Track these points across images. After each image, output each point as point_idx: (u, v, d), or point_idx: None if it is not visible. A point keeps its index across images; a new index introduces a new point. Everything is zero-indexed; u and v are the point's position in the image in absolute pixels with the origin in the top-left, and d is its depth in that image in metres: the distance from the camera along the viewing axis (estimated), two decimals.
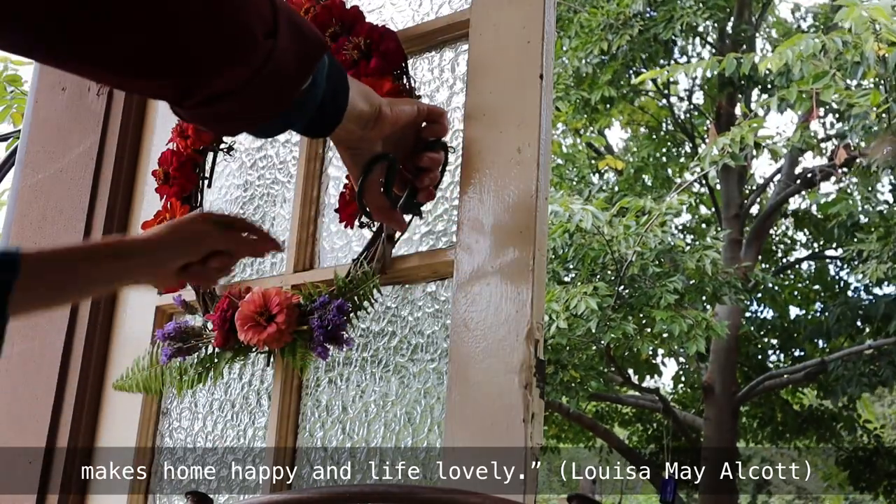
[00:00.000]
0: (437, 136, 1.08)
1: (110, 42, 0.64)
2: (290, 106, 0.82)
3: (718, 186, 9.92)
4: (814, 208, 10.51)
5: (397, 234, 1.42)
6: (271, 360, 1.48)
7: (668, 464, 10.15)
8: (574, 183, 9.77)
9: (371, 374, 1.45)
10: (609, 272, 6.82)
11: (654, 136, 10.76)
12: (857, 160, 8.04)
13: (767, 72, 6.87)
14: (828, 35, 6.61)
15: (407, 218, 1.17)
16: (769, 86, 8.65)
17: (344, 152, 1.03)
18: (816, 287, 10.90)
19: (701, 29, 9.27)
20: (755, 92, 10.14)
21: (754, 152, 7.82)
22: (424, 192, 1.09)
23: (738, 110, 9.80)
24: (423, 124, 1.07)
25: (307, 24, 0.80)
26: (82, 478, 1.63)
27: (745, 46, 8.32)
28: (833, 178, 9.44)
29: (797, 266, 11.34)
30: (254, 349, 1.45)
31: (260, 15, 0.71)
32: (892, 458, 10.54)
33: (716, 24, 9.20)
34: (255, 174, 1.71)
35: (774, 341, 10.75)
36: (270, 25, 0.72)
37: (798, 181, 9.93)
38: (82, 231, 1.72)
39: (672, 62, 8.98)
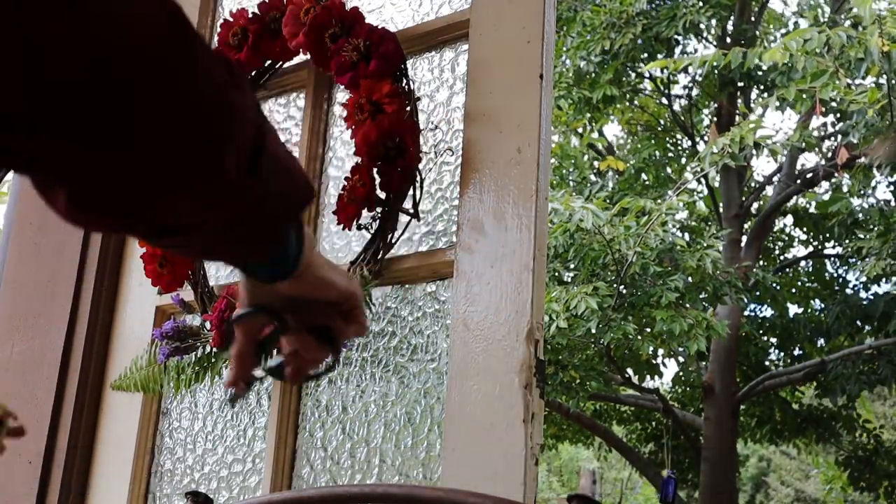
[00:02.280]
0: (342, 335, 0.88)
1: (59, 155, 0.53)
2: (265, 257, 0.73)
3: (717, 185, 9.92)
4: (812, 206, 10.51)
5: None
6: None
7: (667, 463, 10.15)
8: (574, 184, 9.78)
9: (371, 374, 1.45)
10: (609, 272, 6.82)
11: (654, 137, 10.76)
12: (859, 159, 8.04)
13: (770, 66, 6.86)
14: (832, 30, 6.60)
15: None
16: (770, 84, 8.65)
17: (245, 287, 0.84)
18: (815, 285, 10.91)
19: (703, 27, 9.27)
20: (755, 92, 10.14)
21: (754, 152, 7.81)
22: (290, 376, 0.88)
23: (739, 110, 9.80)
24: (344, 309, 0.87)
25: (296, 163, 0.70)
26: (82, 478, 1.63)
27: (745, 47, 8.31)
28: (833, 178, 9.44)
29: (796, 264, 11.34)
30: None
31: (235, 142, 0.60)
32: (891, 458, 10.53)
33: (718, 22, 9.20)
34: None
35: (774, 340, 10.75)
36: (246, 158, 0.62)
37: (798, 181, 9.94)
38: (82, 231, 1.72)
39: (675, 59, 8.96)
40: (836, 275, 10.78)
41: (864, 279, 9.50)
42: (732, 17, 9.64)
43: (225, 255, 0.74)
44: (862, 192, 9.48)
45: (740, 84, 9.43)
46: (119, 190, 0.57)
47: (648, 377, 9.61)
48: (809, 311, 10.71)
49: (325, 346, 0.87)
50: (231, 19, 1.60)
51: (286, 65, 1.64)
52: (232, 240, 0.69)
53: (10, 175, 1.99)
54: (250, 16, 1.58)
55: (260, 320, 0.84)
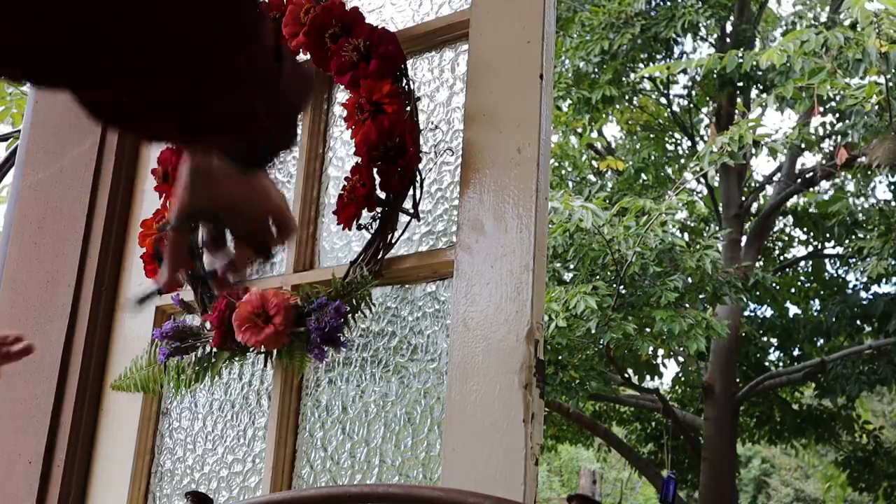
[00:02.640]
0: (271, 243, 0.94)
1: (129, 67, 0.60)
2: (295, 134, 0.82)
3: (717, 184, 9.93)
4: (813, 206, 10.52)
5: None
6: (270, 360, 1.47)
7: (667, 464, 10.14)
8: (574, 184, 9.78)
9: (371, 374, 1.45)
10: (609, 272, 6.82)
11: (653, 136, 10.77)
12: (858, 159, 8.04)
13: (769, 66, 6.87)
14: (830, 31, 6.60)
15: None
16: (769, 84, 8.66)
17: (192, 173, 0.87)
18: (815, 285, 10.91)
19: (702, 27, 9.27)
20: (754, 92, 10.14)
21: (753, 151, 7.81)
22: (217, 283, 0.94)
23: (738, 109, 9.80)
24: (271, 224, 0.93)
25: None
26: (82, 478, 1.63)
27: (743, 47, 8.33)
28: (832, 178, 9.44)
29: (796, 265, 11.34)
30: (251, 350, 1.45)
31: (268, 41, 0.70)
32: (890, 459, 10.52)
33: (717, 22, 9.20)
34: None
35: (774, 340, 10.75)
36: (273, 45, 0.71)
37: (798, 180, 9.94)
38: (82, 231, 1.72)
39: (672, 61, 8.96)
40: (835, 275, 10.78)
41: (864, 279, 9.50)
42: (732, 17, 9.64)
43: (256, 137, 0.79)
44: (862, 192, 9.49)
45: (739, 84, 9.43)
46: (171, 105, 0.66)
47: (648, 377, 9.61)
48: (809, 311, 10.71)
49: (256, 253, 0.92)
50: None
51: None
52: (263, 124, 0.76)
53: (10, 175, 1.99)
54: None
55: (198, 224, 0.90)
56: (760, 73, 8.44)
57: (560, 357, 7.18)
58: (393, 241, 1.41)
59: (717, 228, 8.79)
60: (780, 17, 11.16)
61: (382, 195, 1.40)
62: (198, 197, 0.86)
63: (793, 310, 10.68)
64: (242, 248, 0.91)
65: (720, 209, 9.72)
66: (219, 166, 0.85)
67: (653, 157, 10.19)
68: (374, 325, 1.46)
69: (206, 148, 0.80)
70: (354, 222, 1.40)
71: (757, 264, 9.52)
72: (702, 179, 9.50)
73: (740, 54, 6.93)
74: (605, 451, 12.38)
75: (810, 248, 11.16)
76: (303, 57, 1.59)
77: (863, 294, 9.79)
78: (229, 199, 0.87)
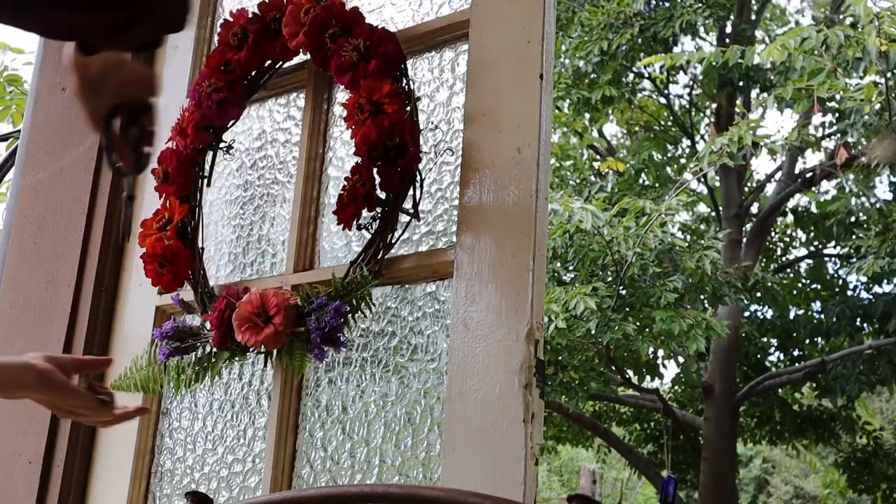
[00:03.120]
0: (153, 94, 1.14)
1: None
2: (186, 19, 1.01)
3: (717, 184, 9.92)
4: (812, 206, 10.51)
5: (397, 234, 1.42)
6: (270, 360, 1.47)
7: (667, 464, 10.13)
8: (574, 184, 9.77)
9: (371, 375, 1.45)
10: (609, 273, 6.82)
11: (653, 137, 10.76)
12: (858, 159, 8.04)
13: (769, 65, 6.86)
14: (830, 29, 6.60)
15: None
16: (768, 85, 8.66)
17: (84, 90, 1.07)
18: (815, 286, 10.90)
19: (700, 27, 9.26)
20: (754, 92, 10.13)
21: (753, 151, 7.80)
22: (145, 159, 1.12)
23: (738, 110, 9.79)
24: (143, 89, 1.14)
25: None
26: (82, 478, 1.63)
27: (743, 45, 8.33)
28: (832, 177, 9.43)
29: (796, 265, 11.34)
30: (251, 350, 1.45)
31: None
32: (890, 461, 10.50)
33: (716, 22, 9.19)
34: (255, 174, 1.71)
35: (774, 341, 10.74)
36: None
37: (798, 180, 9.93)
38: (82, 231, 1.72)
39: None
40: (836, 275, 10.78)
41: (863, 279, 9.49)
42: (731, 18, 9.64)
43: (156, 27, 1.00)
44: (861, 193, 9.49)
45: (739, 84, 9.43)
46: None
47: (648, 378, 9.60)
48: (810, 311, 10.70)
49: (149, 108, 1.13)
50: (231, 19, 1.60)
51: (286, 65, 1.64)
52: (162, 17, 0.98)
53: (10, 174, 1.99)
54: (250, 16, 1.58)
55: (120, 117, 1.08)
56: (760, 72, 8.44)
57: (560, 357, 7.17)
58: (393, 241, 1.41)
59: (718, 229, 8.78)
60: (787, 13, 11.14)
61: (382, 195, 1.40)
62: (105, 95, 1.06)
63: (794, 310, 10.67)
64: (145, 115, 1.11)
65: (720, 209, 9.72)
66: (98, 67, 1.05)
67: (653, 158, 10.18)
68: (374, 325, 1.46)
69: (120, 46, 1.02)
70: (354, 222, 1.40)
71: (758, 265, 9.51)
72: (702, 180, 9.49)
73: (741, 49, 6.92)
74: (604, 452, 12.37)
75: (811, 249, 11.15)
76: (303, 57, 1.59)
77: (863, 294, 9.78)
78: (119, 85, 1.07)
